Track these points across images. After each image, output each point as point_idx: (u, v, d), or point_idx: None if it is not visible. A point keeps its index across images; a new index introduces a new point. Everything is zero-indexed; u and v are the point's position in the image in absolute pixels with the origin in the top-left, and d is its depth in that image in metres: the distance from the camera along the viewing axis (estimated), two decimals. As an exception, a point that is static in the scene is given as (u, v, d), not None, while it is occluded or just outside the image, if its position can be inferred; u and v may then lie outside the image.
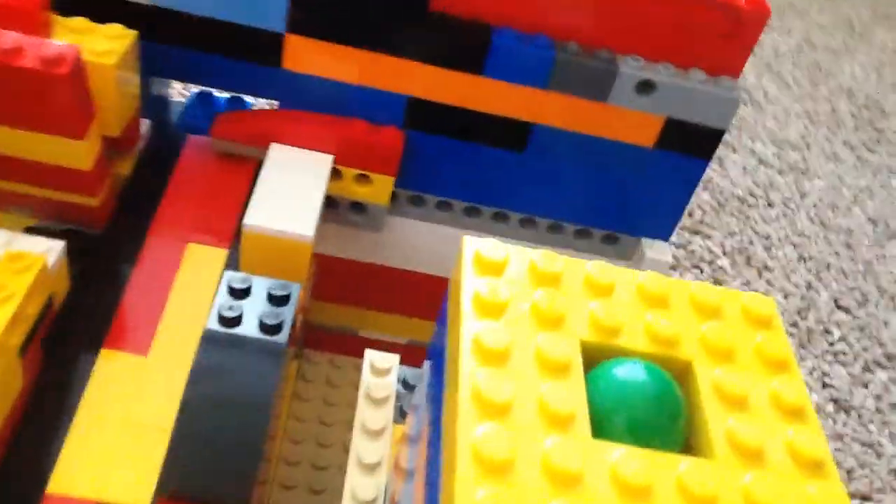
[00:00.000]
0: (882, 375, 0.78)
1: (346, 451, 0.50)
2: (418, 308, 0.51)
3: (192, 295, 0.37)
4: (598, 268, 0.24)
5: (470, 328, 0.22)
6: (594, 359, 0.22)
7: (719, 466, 0.20)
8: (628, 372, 0.22)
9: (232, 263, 0.39)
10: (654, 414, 0.21)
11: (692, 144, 0.45)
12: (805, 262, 0.88)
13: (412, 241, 0.48)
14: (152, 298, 0.37)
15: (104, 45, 0.37)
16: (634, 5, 0.42)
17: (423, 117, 0.44)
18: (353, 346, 0.53)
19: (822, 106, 1.16)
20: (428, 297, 0.50)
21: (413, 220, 0.47)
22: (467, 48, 0.42)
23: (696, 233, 0.87)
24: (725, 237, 0.88)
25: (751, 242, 0.88)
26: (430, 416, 0.24)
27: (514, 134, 0.44)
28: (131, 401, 0.33)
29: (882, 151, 1.11)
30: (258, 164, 0.43)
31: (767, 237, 0.90)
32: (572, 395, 0.21)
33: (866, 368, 0.78)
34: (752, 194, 0.95)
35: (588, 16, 0.42)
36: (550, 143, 0.45)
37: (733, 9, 0.42)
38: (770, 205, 0.95)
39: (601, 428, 0.21)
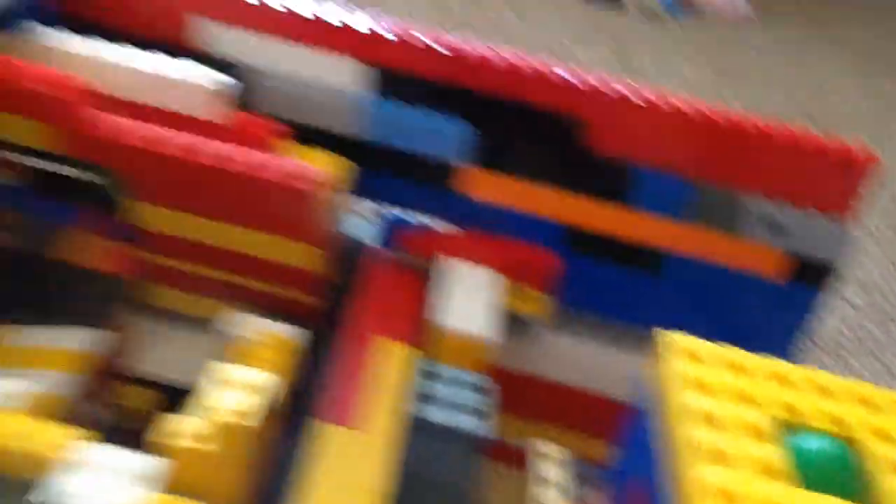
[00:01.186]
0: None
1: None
2: (565, 419, 0.56)
3: (387, 380, 0.43)
4: (777, 362, 0.30)
5: (684, 400, 0.27)
6: (783, 433, 0.28)
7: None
8: (815, 443, 0.27)
9: (417, 357, 0.46)
10: (838, 479, 0.26)
11: (812, 276, 0.51)
12: None
13: (562, 355, 0.54)
14: (354, 381, 0.43)
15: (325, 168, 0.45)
16: (761, 153, 0.49)
17: (577, 242, 0.50)
18: (504, 455, 0.57)
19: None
20: (573, 409, 0.55)
21: (563, 335, 0.54)
22: (615, 183, 0.49)
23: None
24: (818, 373, 0.91)
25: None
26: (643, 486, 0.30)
27: (651, 259, 0.51)
28: (345, 469, 0.39)
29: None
30: (433, 275, 0.50)
31: (860, 377, 0.93)
32: (773, 456, 0.26)
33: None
34: (843, 335, 0.99)
35: (720, 160, 0.49)
36: (683, 269, 0.51)
37: (847, 159, 0.49)
38: (862, 348, 0.98)
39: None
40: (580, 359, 0.54)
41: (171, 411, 0.37)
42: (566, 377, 0.54)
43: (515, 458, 0.52)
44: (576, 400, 0.55)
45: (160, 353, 0.47)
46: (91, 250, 0.44)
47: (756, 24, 1.96)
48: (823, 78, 1.72)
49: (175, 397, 0.45)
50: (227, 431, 0.33)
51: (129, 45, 0.44)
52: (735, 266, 0.51)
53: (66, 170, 0.42)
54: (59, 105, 0.39)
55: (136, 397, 0.46)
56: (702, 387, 0.28)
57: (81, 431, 0.31)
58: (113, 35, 0.45)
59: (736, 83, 1.62)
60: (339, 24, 0.47)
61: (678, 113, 0.48)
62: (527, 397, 0.55)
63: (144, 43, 0.45)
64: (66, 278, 0.44)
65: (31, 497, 0.29)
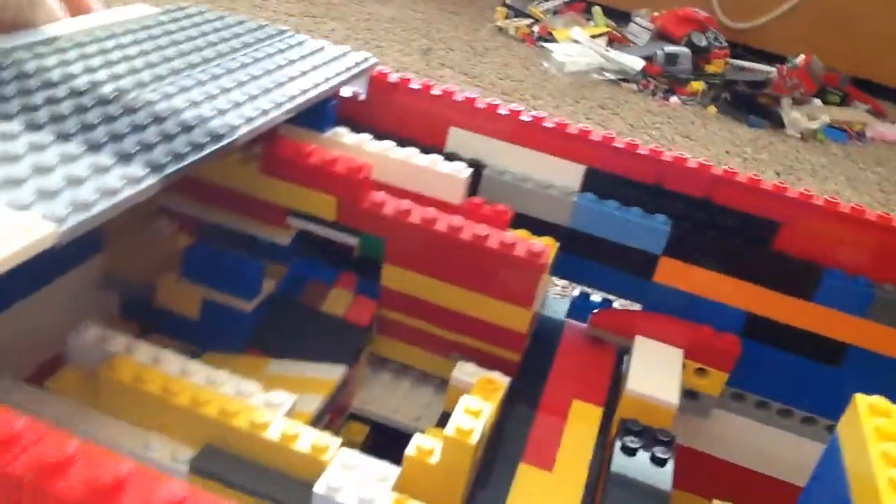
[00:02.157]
0: None
1: None
2: (734, 497, 0.59)
3: (579, 432, 0.49)
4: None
5: (878, 447, 0.32)
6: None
7: None
8: None
9: (604, 418, 0.51)
10: None
11: None
12: None
13: (730, 433, 0.58)
14: (552, 431, 0.49)
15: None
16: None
17: (757, 329, 0.55)
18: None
19: None
20: (742, 488, 0.59)
21: (732, 414, 0.58)
22: (801, 280, 0.54)
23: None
24: None
25: None
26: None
27: (832, 351, 0.55)
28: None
29: None
30: (620, 349, 0.56)
31: None
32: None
33: None
34: None
35: (901, 265, 0.54)
36: (863, 362, 0.55)
37: None
38: None
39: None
40: (752, 440, 0.57)
41: (379, 447, 0.44)
42: (737, 457, 0.58)
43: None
44: (745, 480, 0.59)
45: (379, 395, 0.54)
46: (341, 303, 0.53)
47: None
48: None
49: (384, 435, 0.52)
50: (450, 446, 0.39)
51: (396, 144, 0.55)
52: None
53: (333, 234, 0.51)
54: (342, 181, 0.48)
55: (352, 430, 0.53)
56: (893, 437, 0.32)
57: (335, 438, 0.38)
58: (384, 136, 0.56)
59: (901, 207, 1.61)
60: (560, 132, 0.56)
61: (865, 221, 0.53)
62: (699, 474, 0.59)
63: (405, 142, 0.56)
64: (317, 323, 0.52)
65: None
